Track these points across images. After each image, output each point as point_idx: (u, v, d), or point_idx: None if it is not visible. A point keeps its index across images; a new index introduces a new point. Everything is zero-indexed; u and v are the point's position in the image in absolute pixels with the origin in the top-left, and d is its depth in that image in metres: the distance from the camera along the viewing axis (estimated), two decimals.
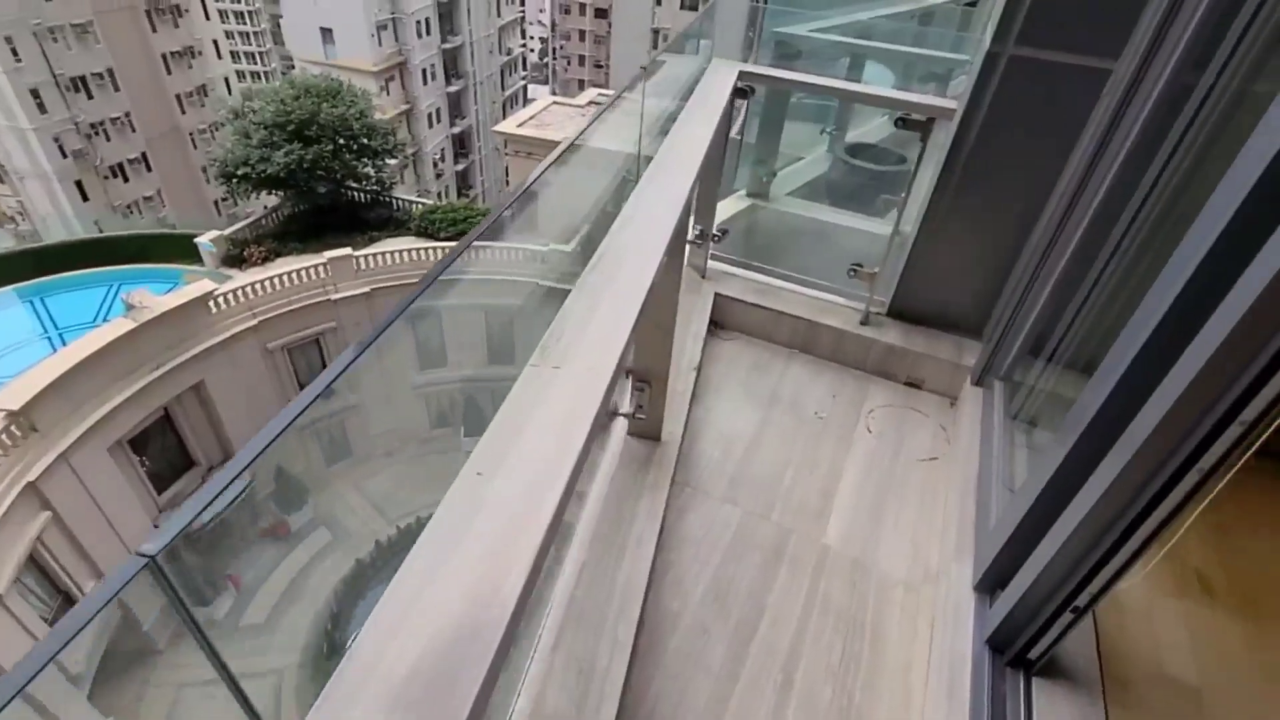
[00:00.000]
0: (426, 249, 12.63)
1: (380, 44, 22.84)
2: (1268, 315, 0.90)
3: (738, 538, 1.80)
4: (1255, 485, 2.02)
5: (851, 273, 2.45)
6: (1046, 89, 1.93)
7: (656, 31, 27.05)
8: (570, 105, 16.28)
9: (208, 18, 25.90)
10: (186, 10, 23.66)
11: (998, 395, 2.13)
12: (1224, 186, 1.04)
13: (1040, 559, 1.32)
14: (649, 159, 1.45)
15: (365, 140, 14.42)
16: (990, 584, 1.54)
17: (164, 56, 22.74)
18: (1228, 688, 1.43)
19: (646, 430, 1.82)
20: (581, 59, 34.04)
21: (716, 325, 2.64)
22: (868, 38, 3.50)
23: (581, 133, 1.22)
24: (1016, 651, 1.38)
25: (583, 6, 33.16)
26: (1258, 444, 1.03)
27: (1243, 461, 1.05)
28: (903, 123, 2.07)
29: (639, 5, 26.56)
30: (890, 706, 1.49)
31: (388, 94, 23.32)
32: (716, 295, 2.58)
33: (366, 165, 14.67)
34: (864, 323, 2.47)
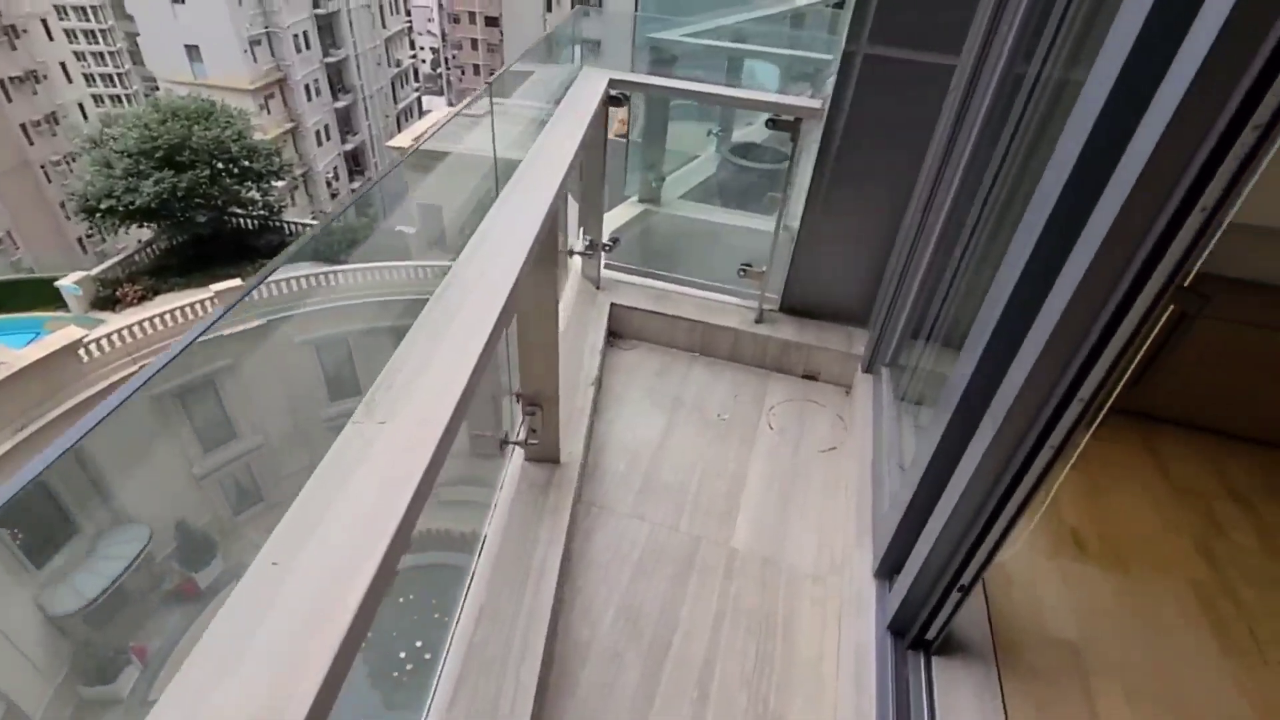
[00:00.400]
0: (325, 273, 11.98)
1: (256, 60, 21.49)
2: (1091, 295, 0.95)
3: (647, 553, 1.77)
4: (1119, 442, 2.19)
5: (741, 273, 2.48)
6: (900, 85, 2.01)
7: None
8: (469, 115, 15.90)
9: (51, 38, 23.53)
10: (25, 31, 21.41)
11: (885, 380, 2.21)
12: (1048, 174, 1.09)
13: (927, 541, 1.36)
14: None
15: (246, 163, 13.53)
16: (888, 569, 1.58)
17: (1, 83, 20.49)
18: (1102, 639, 1.53)
19: (543, 454, 1.76)
20: (476, 68, 33.36)
21: (615, 335, 2.61)
22: (744, 40, 3.58)
23: (412, 150, 1.15)
24: (915, 634, 1.42)
25: (472, 15, 32.52)
26: (1100, 415, 1.09)
27: (1094, 428, 1.10)
28: (773, 124, 2.11)
29: (529, 10, 26.24)
30: (804, 703, 1.50)
31: (269, 113, 21.99)
32: (613, 305, 2.55)
33: (250, 189, 13.77)
34: (759, 321, 2.51)
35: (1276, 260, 2.16)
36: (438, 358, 0.81)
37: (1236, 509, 1.91)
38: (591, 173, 2.32)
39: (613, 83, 2.10)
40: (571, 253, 2.51)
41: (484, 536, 1.59)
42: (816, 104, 2.03)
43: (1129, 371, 1.14)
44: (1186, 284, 0.94)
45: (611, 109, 2.22)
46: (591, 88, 1.95)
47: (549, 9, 26.01)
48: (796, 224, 2.38)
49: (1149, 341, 1.05)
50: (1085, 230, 0.95)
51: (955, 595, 1.33)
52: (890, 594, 1.52)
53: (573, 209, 2.56)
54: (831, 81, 2.05)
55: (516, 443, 1.63)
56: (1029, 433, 1.12)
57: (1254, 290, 2.03)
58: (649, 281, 2.72)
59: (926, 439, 1.45)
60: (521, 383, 1.62)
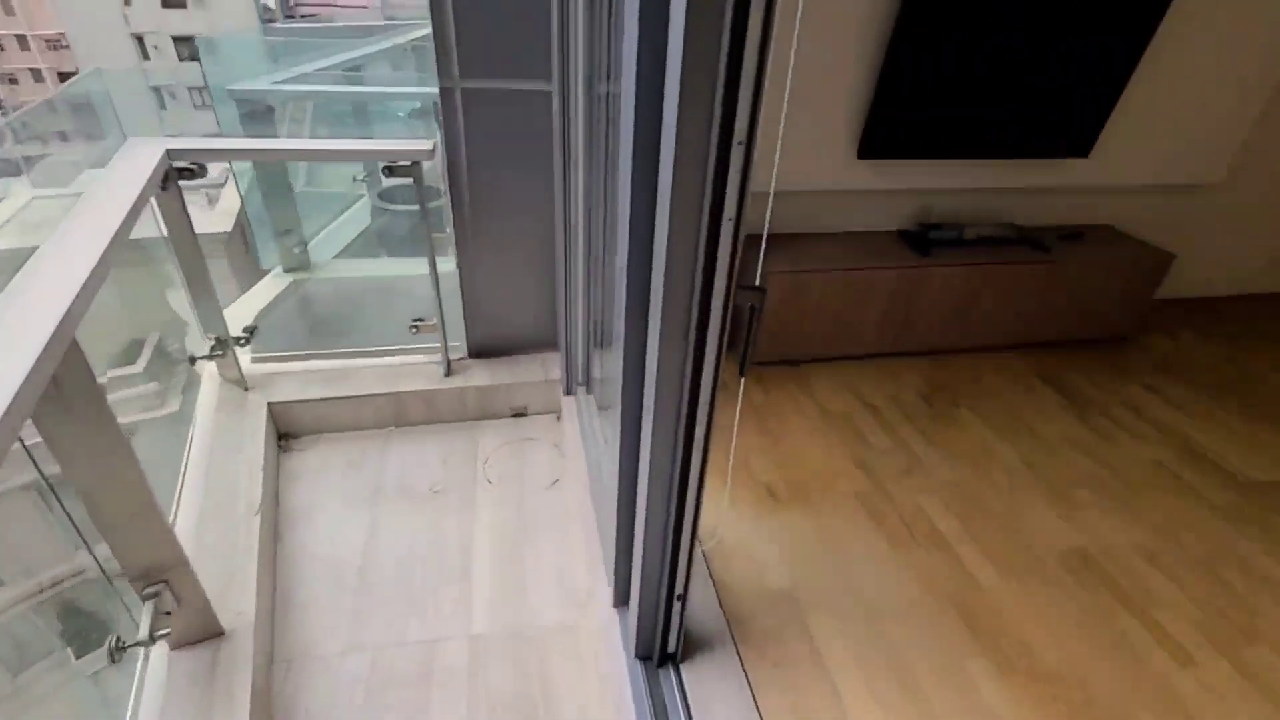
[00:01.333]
0: None
1: None
2: (676, 297, 0.99)
3: (373, 689, 1.51)
4: (783, 389, 2.50)
5: (414, 329, 2.28)
6: (507, 114, 2.00)
7: (140, 38, 20.92)
8: (63, 196, 12.57)
9: None
10: None
11: (582, 398, 2.23)
12: (620, 188, 1.12)
13: (639, 556, 1.35)
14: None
15: None
16: (623, 595, 1.56)
17: None
18: (807, 576, 1.71)
19: (193, 632, 1.38)
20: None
21: (287, 438, 2.22)
22: (357, 82, 3.33)
23: None
24: (659, 653, 1.42)
25: (22, 39, 23.20)
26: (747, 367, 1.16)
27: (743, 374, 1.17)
28: (389, 171, 1.94)
29: (107, 11, 19.74)
30: None
31: None
32: (271, 405, 2.15)
33: None
34: (449, 374, 2.34)
35: (803, 212, 2.68)
36: None
37: (871, 417, 2.34)
38: (187, 262, 1.90)
39: (171, 153, 1.72)
40: (193, 359, 2.05)
41: None
42: (428, 145, 1.92)
43: (748, 352, 1.23)
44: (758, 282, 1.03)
45: (190, 183, 1.83)
46: (134, 167, 1.56)
47: (127, 1, 20.05)
48: (452, 265, 2.27)
49: (750, 323, 1.13)
50: (655, 242, 0.98)
51: (677, 605, 1.35)
52: (628, 620, 1.50)
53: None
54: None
55: (142, 643, 1.23)
56: (678, 426, 1.14)
57: (801, 240, 2.50)
58: (317, 363, 2.37)
59: (610, 451, 1.45)
60: (120, 559, 1.23)
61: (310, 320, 2.75)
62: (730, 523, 1.86)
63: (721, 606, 1.58)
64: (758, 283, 2.50)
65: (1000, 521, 1.94)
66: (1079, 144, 2.54)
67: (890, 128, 2.33)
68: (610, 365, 1.99)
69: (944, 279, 2.53)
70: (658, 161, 0.92)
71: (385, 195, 3.27)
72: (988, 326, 2.71)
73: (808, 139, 2.39)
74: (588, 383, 2.27)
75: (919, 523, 1.90)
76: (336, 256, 3.12)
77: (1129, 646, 1.60)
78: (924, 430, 2.30)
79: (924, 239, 2.60)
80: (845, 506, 1.94)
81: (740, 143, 0.81)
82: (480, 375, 2.37)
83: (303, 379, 2.29)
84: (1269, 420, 2.47)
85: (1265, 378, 2.74)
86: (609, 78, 1.56)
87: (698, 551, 1.67)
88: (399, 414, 2.32)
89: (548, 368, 2.43)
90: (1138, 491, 2.09)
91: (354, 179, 3.67)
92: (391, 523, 1.94)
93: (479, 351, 2.45)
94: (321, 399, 2.23)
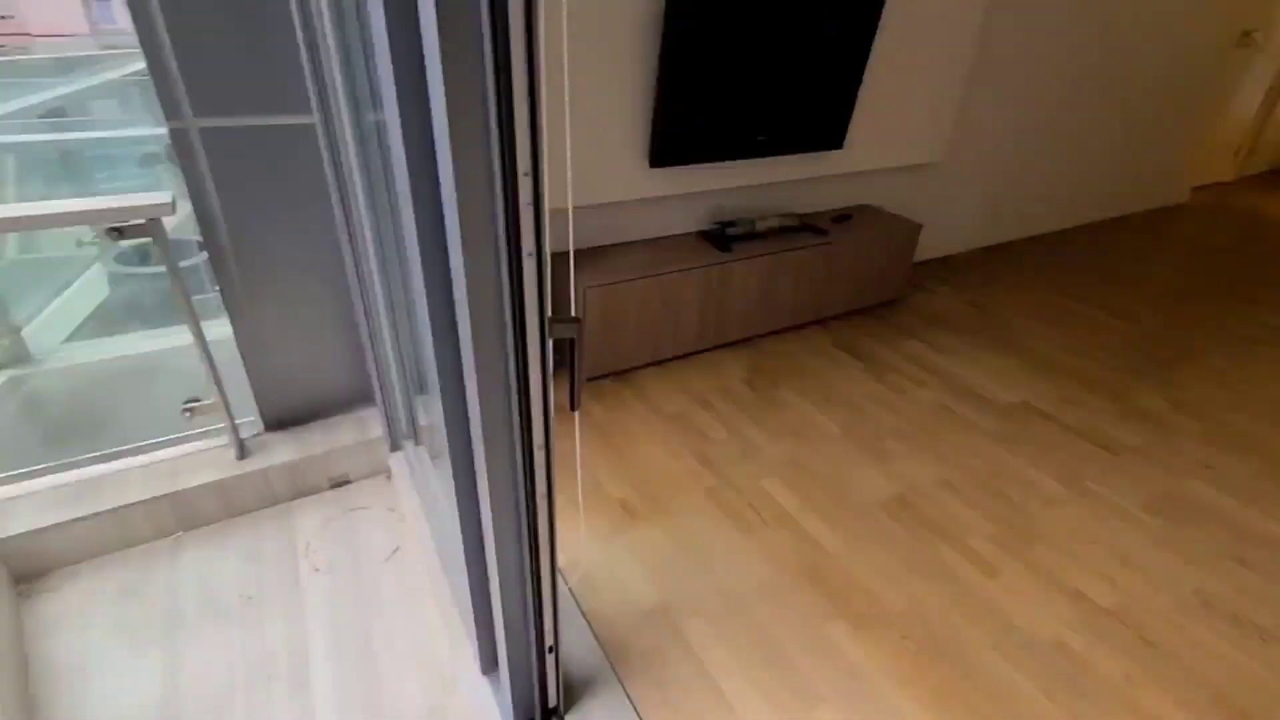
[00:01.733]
0: None
1: None
2: (486, 335, 0.91)
3: None
4: (622, 404, 2.50)
5: (188, 413, 1.93)
6: (263, 152, 1.76)
7: None
8: None
9: None
10: None
11: (411, 451, 2.04)
12: (405, 232, 1.02)
13: (499, 611, 1.25)
14: None
15: None
16: (490, 660, 1.44)
17: None
18: (673, 584, 1.71)
19: None
20: None
21: (26, 580, 1.76)
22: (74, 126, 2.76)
23: None
24: (541, 711, 1.33)
25: None
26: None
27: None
28: (119, 234, 1.61)
29: None
30: None
31: None
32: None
33: None
34: (243, 456, 2.02)
35: (607, 224, 2.75)
36: None
37: (705, 412, 2.43)
38: None
39: None
40: None
41: None
42: (164, 198, 1.62)
43: (575, 386, 1.18)
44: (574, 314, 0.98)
45: None
46: None
47: None
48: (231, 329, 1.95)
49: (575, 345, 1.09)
50: (453, 285, 0.90)
51: (550, 657, 1.27)
52: (501, 685, 1.39)
53: None
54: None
55: None
56: (515, 470, 1.07)
57: (604, 252, 2.56)
58: (59, 477, 1.90)
59: (448, 506, 1.33)
60: None
61: (43, 425, 2.22)
62: (591, 551, 1.81)
63: (598, 640, 1.53)
64: (573, 301, 2.49)
65: (831, 486, 2.11)
66: (833, 137, 2.86)
67: (675, 137, 2.44)
68: (434, 413, 1.85)
69: (746, 270, 2.71)
70: (440, 201, 0.83)
71: (124, 258, 2.74)
72: (790, 308, 2.96)
73: (602, 154, 2.41)
74: (415, 434, 2.08)
75: (765, 505, 2.00)
76: (68, 340, 2.55)
77: (949, 572, 1.82)
78: (753, 415, 2.43)
79: (723, 236, 2.76)
80: (698, 505, 1.98)
81: (526, 174, 0.76)
82: (285, 450, 2.07)
83: (41, 501, 1.83)
84: (1008, 350, 2.98)
85: (1000, 315, 3.31)
86: (376, 106, 1.43)
87: (563, 592, 1.60)
88: (185, 516, 1.94)
89: (366, 426, 2.19)
90: (931, 432, 2.40)
91: (79, 243, 3.05)
92: (197, 653, 1.62)
93: (279, 423, 2.14)
94: (73, 519, 1.79)
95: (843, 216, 3.16)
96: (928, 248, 3.90)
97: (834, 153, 3.00)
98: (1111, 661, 1.59)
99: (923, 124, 3.25)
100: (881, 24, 2.69)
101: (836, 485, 2.11)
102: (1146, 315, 3.39)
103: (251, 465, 2.01)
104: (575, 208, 2.55)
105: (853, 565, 1.82)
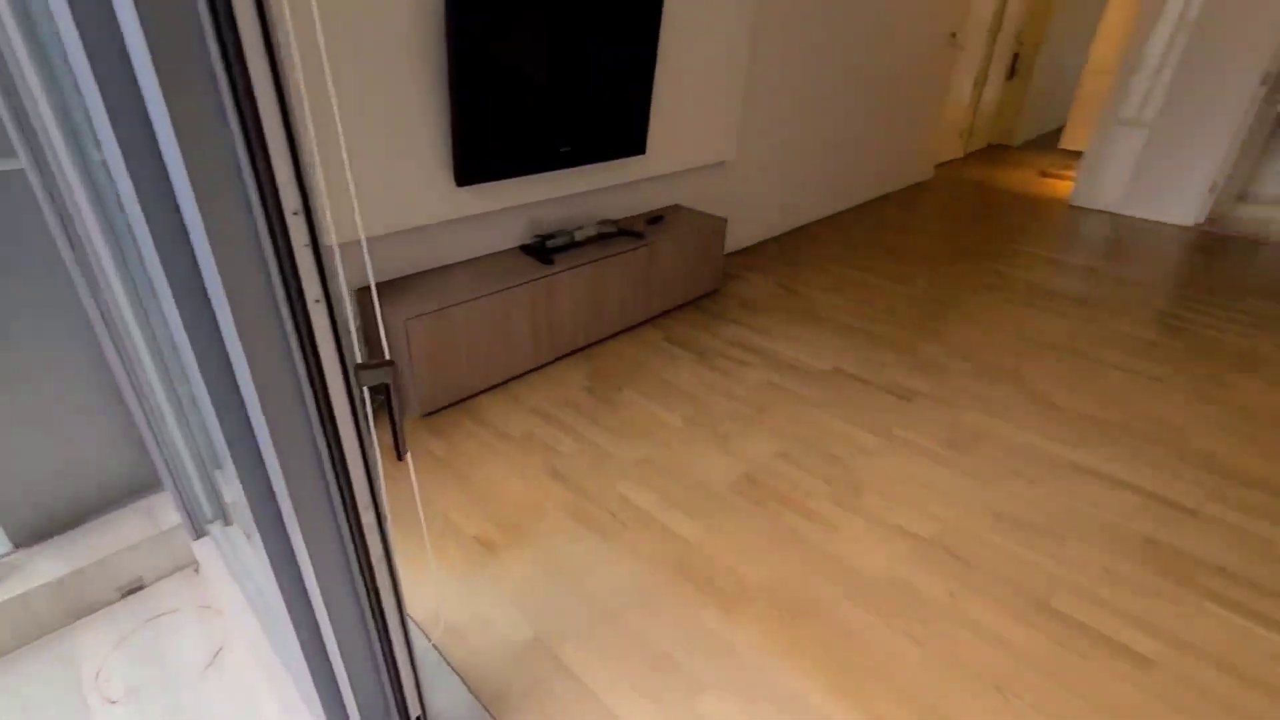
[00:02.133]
0: None
1: None
2: (278, 396, 0.81)
3: None
4: (458, 432, 2.39)
5: None
6: None
7: None
8: None
9: None
10: None
11: (220, 533, 1.77)
12: (158, 287, 0.87)
13: (350, 700, 1.12)
14: None
15: None
16: None
17: None
18: (542, 612, 1.66)
19: None
20: None
21: None
22: None
23: None
24: None
25: None
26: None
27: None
28: None
29: None
30: None
31: None
32: None
33: None
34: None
35: (419, 251, 2.65)
36: None
37: (550, 426, 2.40)
38: None
39: None
40: None
41: None
42: None
43: (398, 433, 1.08)
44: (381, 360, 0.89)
45: None
46: None
47: None
48: None
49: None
50: (227, 344, 0.78)
51: None
52: None
53: None
54: None
55: None
56: (341, 536, 0.96)
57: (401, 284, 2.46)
58: None
59: (270, 590, 1.16)
60: None
61: None
62: (452, 597, 1.69)
63: (473, 693, 1.43)
64: (386, 337, 2.32)
65: (684, 478, 2.18)
66: (635, 143, 2.96)
67: (478, 154, 2.36)
68: (237, 490, 1.62)
69: (571, 281, 2.71)
70: (192, 249, 0.72)
71: None
72: (619, 311, 3.02)
73: (403, 177, 2.27)
74: (223, 513, 1.81)
75: (624, 509, 2.02)
76: None
77: (799, 537, 1.97)
78: (599, 421, 2.45)
79: (544, 249, 2.74)
80: (557, 524, 1.95)
81: (296, 212, 0.68)
82: (49, 566, 1.69)
83: None
84: (815, 322, 3.30)
85: (804, 292, 3.66)
86: (97, 144, 1.21)
87: (426, 650, 1.48)
88: None
89: (157, 516, 1.86)
90: (763, 409, 2.58)
91: None
92: None
93: (36, 534, 1.74)
94: None
95: (656, 218, 3.29)
96: (736, 239, 4.20)
97: (638, 158, 3.11)
98: (938, 583, 1.82)
99: (713, 126, 3.48)
100: (662, 33, 2.83)
101: (688, 476, 2.19)
102: (917, 278, 3.94)
103: (9, 590, 1.61)
104: (381, 236, 2.37)
105: (715, 550, 1.89)
